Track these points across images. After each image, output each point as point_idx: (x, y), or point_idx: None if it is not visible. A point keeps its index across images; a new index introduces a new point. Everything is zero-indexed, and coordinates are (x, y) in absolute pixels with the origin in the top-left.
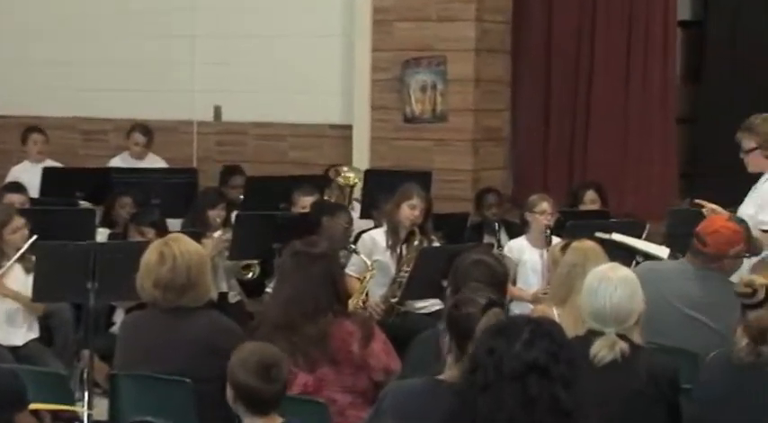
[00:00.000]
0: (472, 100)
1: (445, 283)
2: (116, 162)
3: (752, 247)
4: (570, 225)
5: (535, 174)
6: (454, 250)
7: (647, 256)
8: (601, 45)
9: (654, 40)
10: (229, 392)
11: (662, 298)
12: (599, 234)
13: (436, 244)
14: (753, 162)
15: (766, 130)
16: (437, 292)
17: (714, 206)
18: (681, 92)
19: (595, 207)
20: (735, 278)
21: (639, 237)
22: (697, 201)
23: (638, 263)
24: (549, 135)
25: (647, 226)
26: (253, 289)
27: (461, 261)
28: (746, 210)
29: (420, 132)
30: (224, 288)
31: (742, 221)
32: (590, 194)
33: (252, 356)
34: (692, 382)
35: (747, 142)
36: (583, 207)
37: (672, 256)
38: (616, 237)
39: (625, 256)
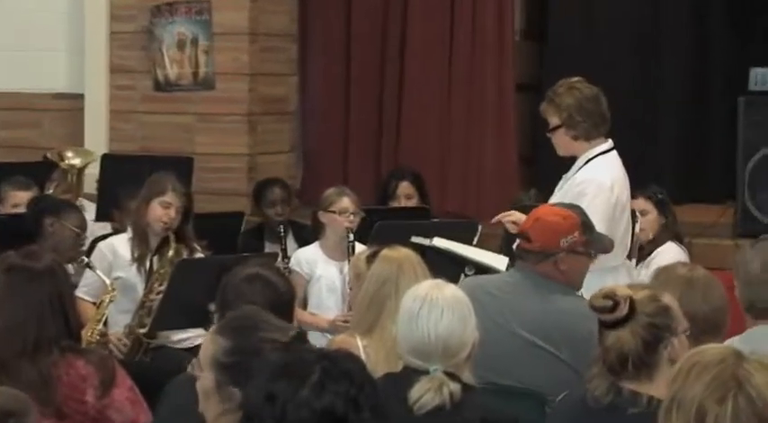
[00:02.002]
0: (247, 60)
1: (212, 308)
2: None
3: (594, 241)
4: (379, 227)
5: (332, 160)
6: (223, 263)
7: (480, 268)
8: None
9: None
10: None
11: (492, 322)
12: (417, 239)
13: (200, 255)
14: (559, 144)
15: (570, 102)
16: (201, 320)
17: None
18: (521, 51)
19: (412, 203)
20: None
21: (470, 242)
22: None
23: (467, 276)
24: (351, 108)
25: (480, 228)
26: None
27: (233, 277)
28: None
29: (177, 104)
30: None
31: (574, 206)
32: (405, 187)
33: None
34: None
35: (551, 118)
36: (395, 203)
37: (512, 266)
38: (439, 242)
39: (451, 267)
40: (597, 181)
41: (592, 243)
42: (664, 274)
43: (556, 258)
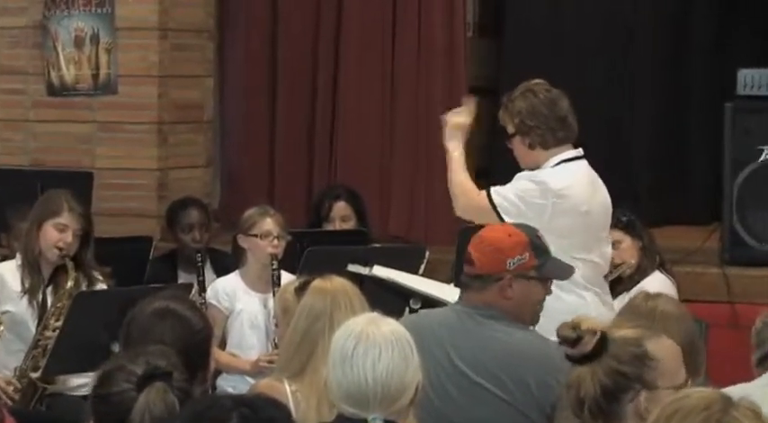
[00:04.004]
0: (156, 60)
1: (116, 347)
2: None
3: (548, 265)
4: (310, 254)
5: (256, 176)
6: (129, 296)
7: (428, 301)
8: None
9: None
10: None
11: (435, 361)
12: (354, 267)
13: (102, 286)
14: (517, 154)
15: (522, 106)
16: (103, 362)
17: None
18: (475, 49)
19: (349, 226)
20: None
21: (416, 271)
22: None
23: (413, 311)
24: (277, 116)
25: (428, 254)
26: None
27: (139, 312)
28: None
29: (74, 111)
30: None
31: (525, 226)
32: (340, 208)
33: None
34: None
35: (507, 126)
36: (330, 226)
37: None
38: (380, 271)
39: (394, 300)
40: (536, 178)
41: (545, 267)
42: (625, 307)
43: (502, 283)
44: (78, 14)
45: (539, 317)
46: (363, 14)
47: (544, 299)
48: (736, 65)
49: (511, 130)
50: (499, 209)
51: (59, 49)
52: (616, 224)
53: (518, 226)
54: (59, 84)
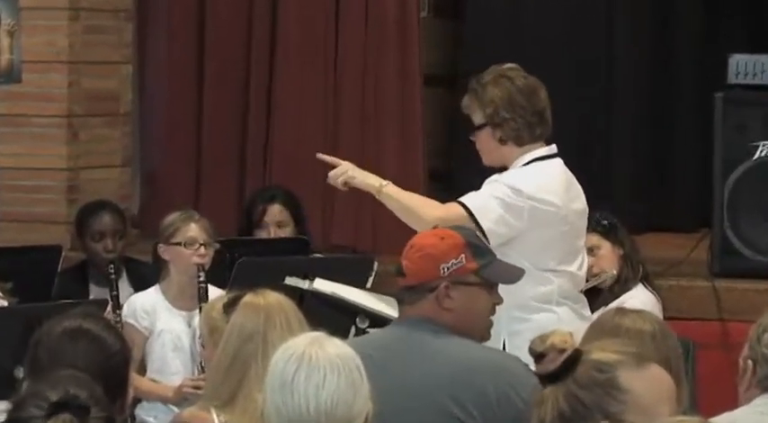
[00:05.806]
0: (66, 45)
1: (21, 373)
2: None
3: (491, 268)
4: (241, 265)
5: (181, 177)
6: (35, 313)
7: (376, 319)
8: None
9: None
10: None
11: (386, 389)
12: (292, 281)
13: (3, 303)
14: (483, 148)
15: (497, 94)
16: (4, 390)
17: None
18: (430, 33)
19: (285, 234)
20: None
21: (363, 285)
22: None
23: (360, 330)
24: (204, 108)
25: (376, 265)
26: None
27: (47, 332)
28: None
29: None
30: None
31: (463, 228)
32: (275, 212)
33: None
34: None
35: (475, 115)
36: (263, 234)
37: None
38: (321, 285)
39: (338, 318)
40: (507, 181)
41: (487, 270)
42: (594, 323)
43: (438, 293)
44: None
45: (489, 332)
46: None
47: (493, 308)
48: (728, 50)
49: (479, 120)
50: (476, 214)
51: None
52: (594, 228)
53: (454, 228)
54: None
